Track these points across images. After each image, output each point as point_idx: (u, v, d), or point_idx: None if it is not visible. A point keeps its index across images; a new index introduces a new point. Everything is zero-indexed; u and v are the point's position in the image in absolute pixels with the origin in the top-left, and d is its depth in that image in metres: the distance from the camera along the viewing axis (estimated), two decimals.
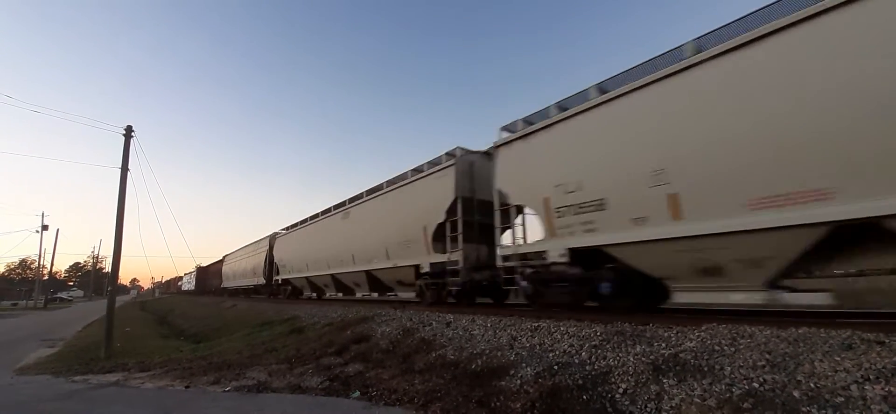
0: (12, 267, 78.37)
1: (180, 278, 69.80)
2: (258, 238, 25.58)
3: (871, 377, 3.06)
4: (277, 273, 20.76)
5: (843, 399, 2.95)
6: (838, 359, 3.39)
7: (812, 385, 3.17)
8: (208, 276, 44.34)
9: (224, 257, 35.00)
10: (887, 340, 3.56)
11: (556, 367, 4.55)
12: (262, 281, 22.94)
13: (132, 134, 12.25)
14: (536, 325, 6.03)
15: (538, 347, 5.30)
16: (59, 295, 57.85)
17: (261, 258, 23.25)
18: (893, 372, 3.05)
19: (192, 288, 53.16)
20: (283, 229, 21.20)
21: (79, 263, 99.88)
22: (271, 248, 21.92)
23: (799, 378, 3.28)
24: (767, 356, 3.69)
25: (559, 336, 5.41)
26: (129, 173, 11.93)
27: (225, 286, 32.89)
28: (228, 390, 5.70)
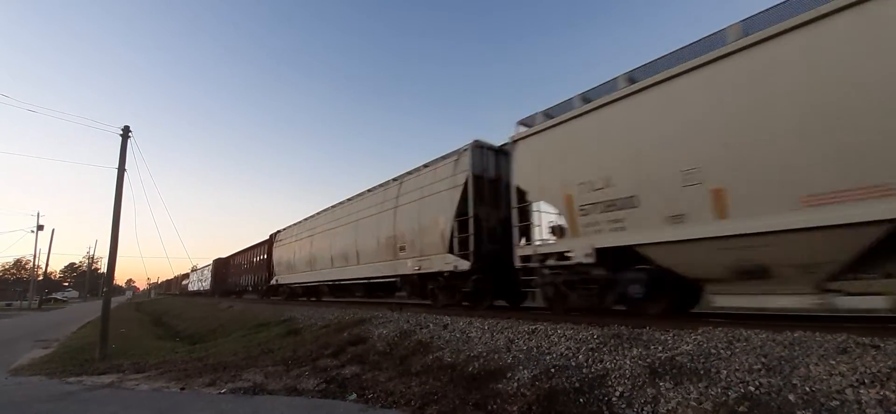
0: (7, 267, 77.99)
1: (186, 276, 55.23)
2: (409, 169, 11.55)
3: (866, 381, 3.07)
4: (525, 238, 8.17)
5: (838, 403, 2.96)
6: (833, 363, 3.41)
7: (807, 389, 3.18)
8: (230, 271, 31.80)
9: (275, 236, 21.27)
10: (882, 344, 3.58)
11: (552, 369, 4.55)
12: (446, 263, 9.21)
13: (129, 134, 12.20)
14: (533, 327, 6.03)
15: (535, 349, 5.30)
16: (54, 296, 57.47)
17: (432, 212, 9.84)
18: (888, 376, 3.07)
19: (207, 288, 38.42)
20: (525, 125, 8.28)
21: (74, 264, 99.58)
22: (487, 180, 9.30)
23: (794, 382, 3.29)
24: (763, 360, 3.70)
25: (556, 339, 5.41)
26: (125, 174, 11.87)
27: (281, 282, 19.45)
28: (224, 393, 5.67)
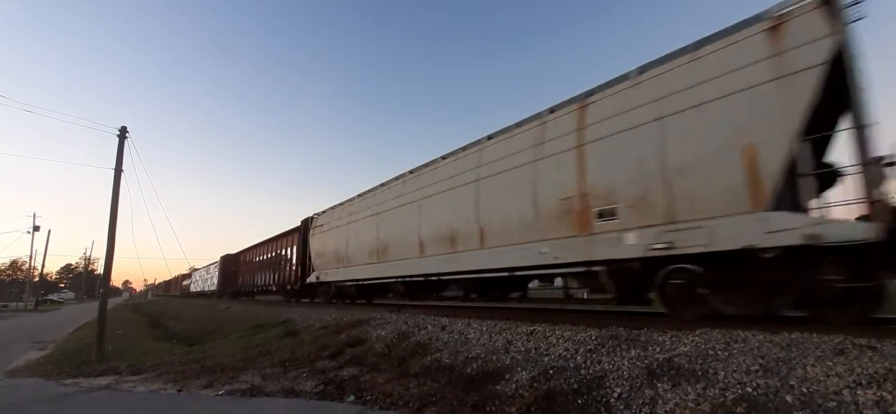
0: (3, 268, 77.56)
1: (187, 277, 50.08)
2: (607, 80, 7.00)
3: (863, 382, 3.09)
4: None
5: (835, 404, 2.97)
6: (830, 364, 3.42)
7: (804, 390, 3.19)
8: (242, 269, 28.11)
9: (311, 221, 16.84)
10: (879, 345, 3.60)
11: (551, 371, 4.55)
12: (769, 232, 4.76)
13: (126, 135, 12.17)
14: (532, 329, 6.03)
15: (534, 351, 5.30)
16: (50, 297, 57.25)
17: (710, 136, 5.36)
18: (885, 377, 3.08)
19: (213, 289, 34.66)
20: None
21: (70, 265, 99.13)
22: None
23: (791, 383, 3.30)
24: (760, 361, 3.71)
25: (554, 340, 5.42)
26: (122, 174, 11.83)
27: (325, 280, 15.07)
28: (221, 394, 5.65)
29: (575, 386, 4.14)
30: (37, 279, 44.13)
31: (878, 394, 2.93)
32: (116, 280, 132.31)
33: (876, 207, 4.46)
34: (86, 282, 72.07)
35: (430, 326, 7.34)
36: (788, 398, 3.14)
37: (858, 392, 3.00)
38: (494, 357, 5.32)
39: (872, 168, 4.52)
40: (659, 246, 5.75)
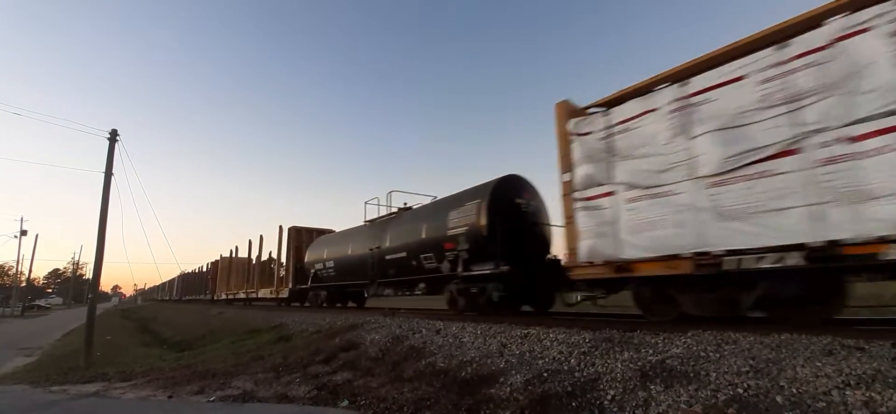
0: None
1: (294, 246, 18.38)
2: None
3: (851, 383, 3.13)
4: None
5: (824, 405, 3.00)
6: (819, 365, 3.46)
7: (794, 390, 3.22)
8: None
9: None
10: (867, 346, 3.65)
11: (545, 374, 4.56)
12: None
13: (117, 138, 12.04)
14: (526, 332, 6.05)
15: (528, 354, 5.31)
16: (37, 302, 56.28)
17: None
18: (874, 378, 3.12)
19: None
20: None
21: (58, 270, 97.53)
22: None
23: (782, 384, 3.34)
24: (751, 362, 3.75)
25: (548, 343, 5.43)
26: (113, 178, 11.70)
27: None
28: (213, 400, 5.58)
29: (569, 388, 4.15)
30: (24, 285, 43.38)
31: (867, 394, 2.96)
32: (105, 285, 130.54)
33: None
34: (74, 287, 70.98)
35: (424, 330, 7.33)
36: (779, 399, 3.18)
37: (847, 393, 3.04)
38: (489, 360, 5.32)
39: None
40: None
